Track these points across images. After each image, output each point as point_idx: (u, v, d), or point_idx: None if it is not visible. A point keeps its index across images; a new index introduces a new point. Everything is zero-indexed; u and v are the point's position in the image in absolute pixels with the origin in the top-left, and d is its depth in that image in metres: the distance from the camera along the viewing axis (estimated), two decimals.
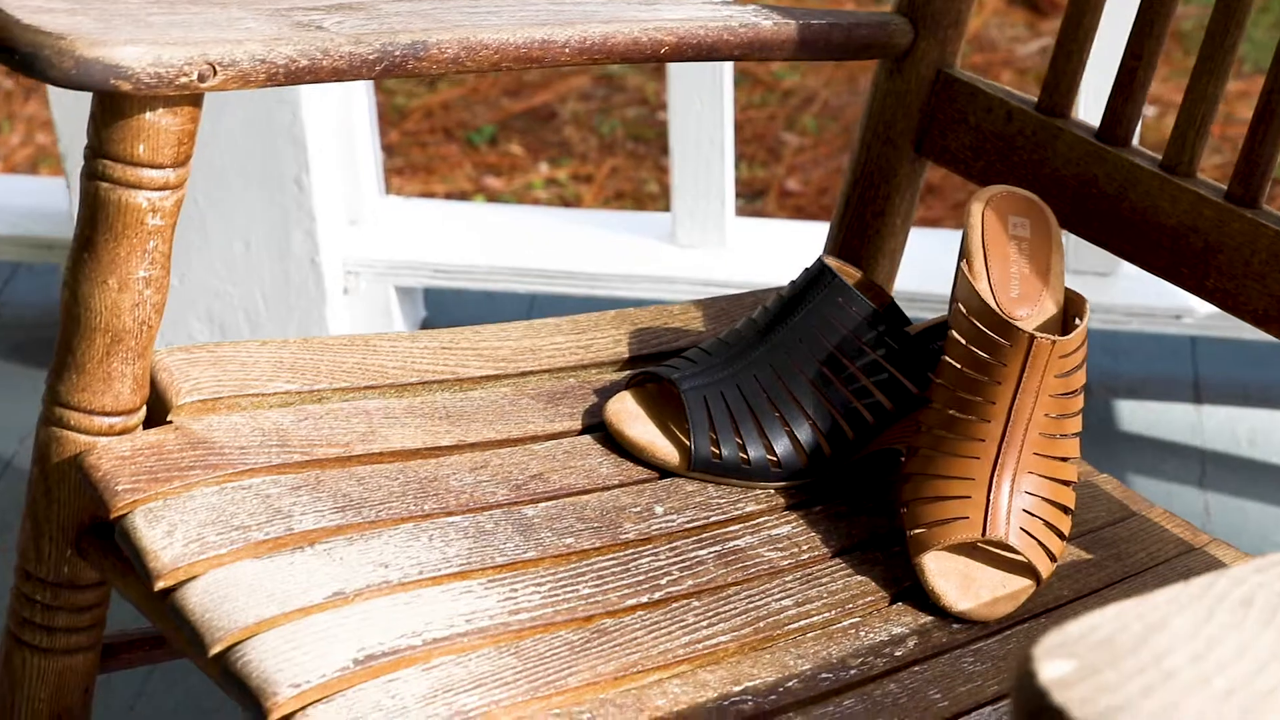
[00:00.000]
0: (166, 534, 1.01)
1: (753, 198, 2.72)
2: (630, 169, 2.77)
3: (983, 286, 1.17)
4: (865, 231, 1.36)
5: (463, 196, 2.75)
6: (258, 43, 1.01)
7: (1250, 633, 0.63)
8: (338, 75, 1.05)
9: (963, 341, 1.12)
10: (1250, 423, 2.14)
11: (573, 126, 2.87)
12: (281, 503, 1.05)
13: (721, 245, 2.13)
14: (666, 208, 2.45)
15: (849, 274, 1.24)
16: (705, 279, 2.10)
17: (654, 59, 1.19)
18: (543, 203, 2.74)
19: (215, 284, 2.16)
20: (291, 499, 1.05)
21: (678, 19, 1.20)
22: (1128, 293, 2.04)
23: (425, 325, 2.31)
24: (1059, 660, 0.59)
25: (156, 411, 1.11)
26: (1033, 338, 1.09)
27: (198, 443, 1.07)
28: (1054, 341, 1.09)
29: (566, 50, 1.14)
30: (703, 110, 2.06)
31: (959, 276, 1.15)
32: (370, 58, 1.05)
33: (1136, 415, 2.16)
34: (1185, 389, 2.20)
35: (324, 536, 1.03)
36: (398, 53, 1.06)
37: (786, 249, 2.07)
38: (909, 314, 2.01)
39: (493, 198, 2.76)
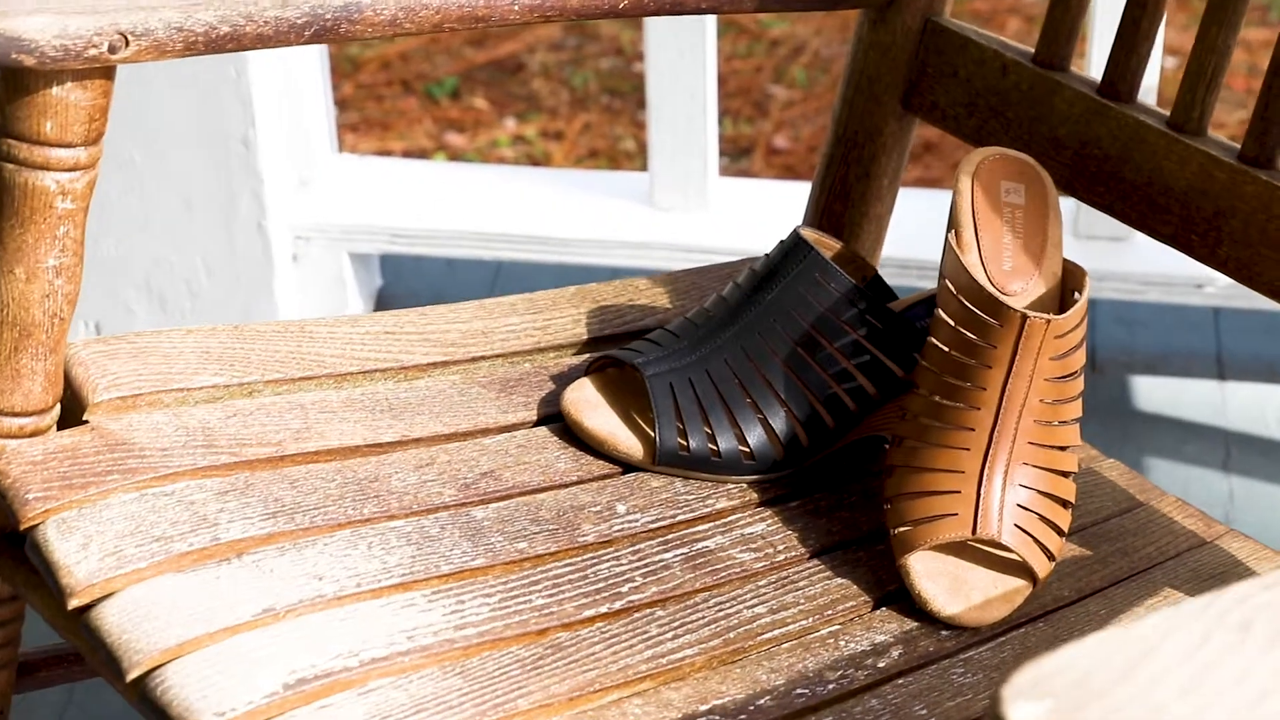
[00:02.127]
0: (81, 547, 0.99)
1: (737, 156, 2.69)
2: (604, 125, 2.75)
3: (972, 260, 1.15)
4: (849, 195, 1.34)
5: (422, 155, 2.73)
6: (174, 9, 0.99)
7: (1250, 658, 0.61)
8: (263, 42, 1.03)
9: (950, 322, 1.10)
10: (1279, 401, 2.11)
11: (542, 79, 2.84)
12: (207, 509, 1.03)
13: (703, 207, 2.10)
14: (643, 167, 2.42)
15: (828, 246, 1.22)
16: (685, 244, 2.08)
17: (614, 14, 1.17)
18: (509, 162, 2.72)
19: (154, 250, 2.14)
20: (218, 505, 1.03)
21: None
22: (1144, 260, 2.01)
23: (381, 295, 2.29)
24: (1032, 701, 0.58)
25: (72, 410, 1.09)
26: (1025, 317, 1.07)
27: (116, 444, 1.06)
28: (1049, 320, 1.07)
29: (516, 7, 1.12)
30: (683, 61, 2.03)
31: (946, 250, 1.13)
32: (299, 22, 1.03)
33: (1154, 393, 2.13)
34: (1208, 364, 2.16)
35: (253, 546, 1.02)
36: (329, 16, 1.04)
37: (773, 211, 2.04)
38: (901, 281, 2.00)
39: (455, 156, 2.73)
